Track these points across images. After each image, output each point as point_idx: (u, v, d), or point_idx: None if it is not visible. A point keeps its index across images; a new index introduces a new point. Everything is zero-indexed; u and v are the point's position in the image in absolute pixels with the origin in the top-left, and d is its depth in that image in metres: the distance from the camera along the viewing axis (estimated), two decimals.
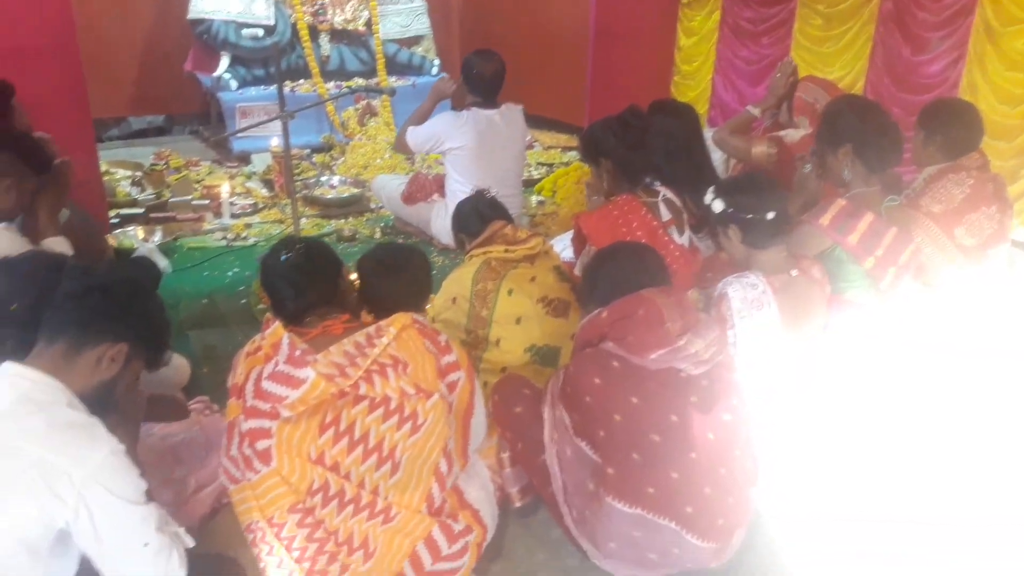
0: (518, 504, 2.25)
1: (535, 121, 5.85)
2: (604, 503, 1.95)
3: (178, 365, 2.69)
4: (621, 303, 1.99)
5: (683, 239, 2.90)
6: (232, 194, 4.51)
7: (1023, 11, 3.82)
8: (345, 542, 1.85)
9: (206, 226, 4.26)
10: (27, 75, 2.99)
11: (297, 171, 4.75)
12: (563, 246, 3.49)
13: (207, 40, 5.42)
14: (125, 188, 4.51)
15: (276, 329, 1.83)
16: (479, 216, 2.83)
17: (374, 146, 5.41)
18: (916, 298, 2.66)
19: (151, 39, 5.85)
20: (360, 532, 1.85)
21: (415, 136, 3.94)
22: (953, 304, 2.75)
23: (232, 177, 4.91)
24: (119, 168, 4.79)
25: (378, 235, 4.29)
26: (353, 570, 1.86)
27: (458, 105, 4.00)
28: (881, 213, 2.56)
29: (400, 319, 1.91)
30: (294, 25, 5.59)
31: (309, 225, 4.29)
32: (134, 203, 4.38)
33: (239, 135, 4.98)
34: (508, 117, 3.95)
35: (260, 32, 5.43)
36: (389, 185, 4.34)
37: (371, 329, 1.88)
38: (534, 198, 4.92)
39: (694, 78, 5.61)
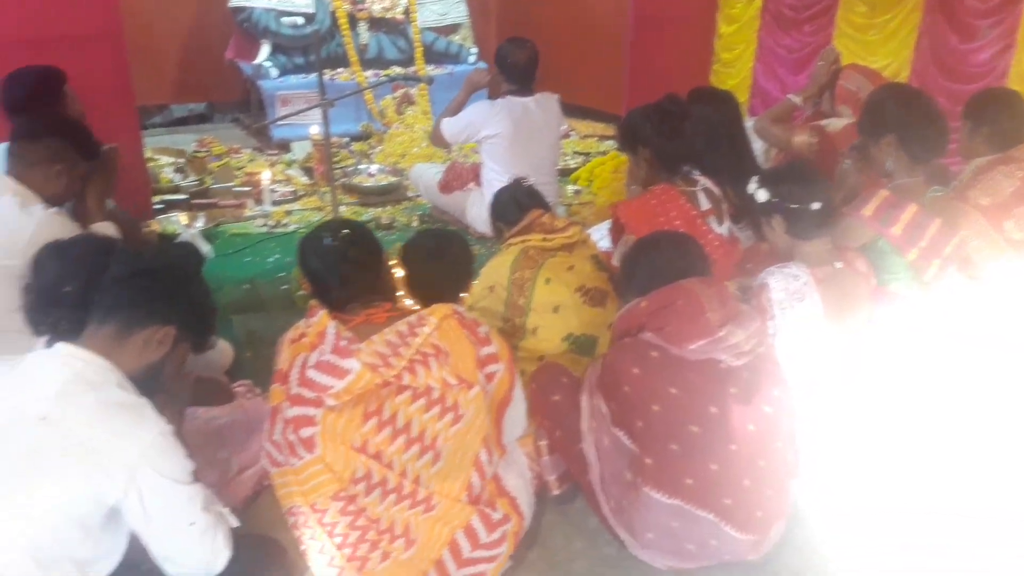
0: (556, 492, 2.25)
1: (572, 110, 5.82)
2: (642, 493, 1.95)
3: (222, 348, 2.75)
4: (661, 292, 1.98)
5: (722, 229, 2.87)
6: (272, 181, 4.56)
7: None
8: (387, 530, 1.87)
9: (247, 212, 4.31)
10: (75, 62, 3.03)
11: (336, 159, 4.79)
12: (600, 235, 3.47)
13: (248, 28, 5.48)
14: (168, 175, 4.59)
15: (322, 318, 1.84)
16: (517, 204, 2.84)
17: (411, 134, 5.44)
18: (961, 291, 2.61)
19: (193, 27, 5.91)
20: (401, 520, 1.87)
21: (450, 127, 3.95)
22: (1000, 298, 2.69)
23: (272, 164, 4.96)
24: (162, 155, 4.86)
25: (415, 223, 4.31)
26: (394, 558, 1.88)
27: (494, 95, 4.00)
28: (924, 204, 2.51)
29: (440, 309, 1.92)
30: (333, 13, 5.63)
31: (348, 213, 4.32)
32: (177, 189, 4.45)
33: (279, 123, 5.02)
34: (543, 105, 3.94)
35: (300, 20, 5.47)
36: (426, 174, 4.37)
37: (412, 318, 1.89)
38: (570, 187, 4.91)
39: (734, 66, 5.54)
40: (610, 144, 5.66)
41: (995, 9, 4.10)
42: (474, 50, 6.11)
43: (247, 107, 5.99)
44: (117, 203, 3.04)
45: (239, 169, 4.85)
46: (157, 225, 3.93)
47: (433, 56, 5.99)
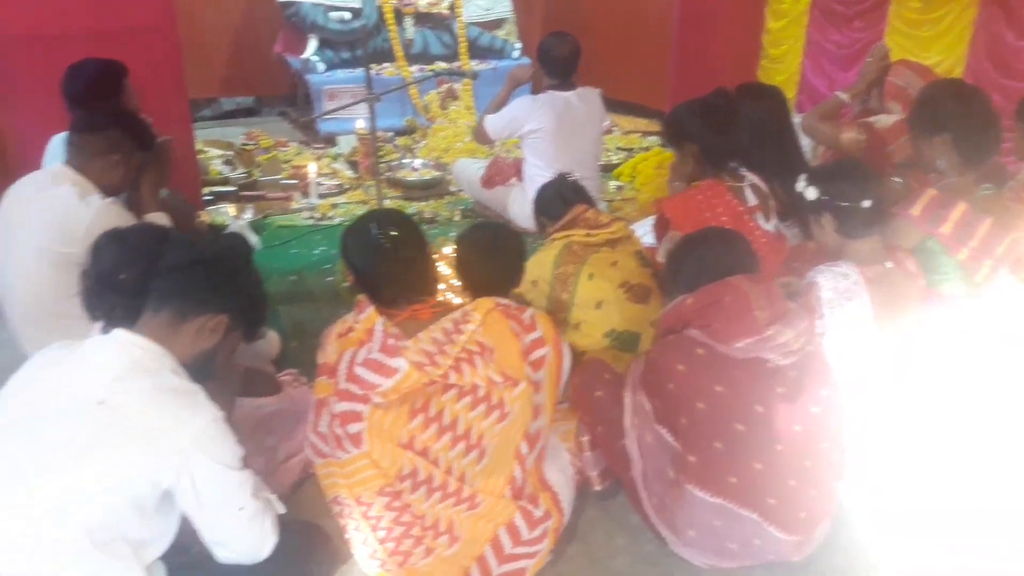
0: (598, 488, 2.25)
1: (615, 105, 5.79)
2: (685, 491, 1.94)
3: (270, 338, 2.80)
4: (708, 289, 1.97)
5: (769, 225, 2.83)
6: (319, 174, 4.62)
7: None
8: (431, 527, 1.88)
9: (294, 205, 4.37)
10: (130, 55, 3.08)
11: (380, 153, 4.83)
12: (643, 231, 3.46)
13: (296, 22, 5.54)
14: (217, 167, 4.67)
15: (371, 315, 1.85)
16: (561, 199, 2.84)
17: (455, 129, 5.46)
18: (1014, 293, 2.55)
19: (243, 22, 6.00)
20: (446, 517, 1.88)
21: (494, 124, 3.96)
22: None
23: (319, 158, 5.01)
24: (211, 147, 4.94)
25: (457, 218, 4.33)
26: (437, 554, 1.89)
27: (536, 90, 4.00)
28: (974, 203, 2.46)
29: (484, 303, 1.93)
30: (380, 8, 5.67)
31: (391, 207, 4.35)
32: (226, 181, 4.52)
33: (326, 117, 5.08)
34: (585, 99, 3.93)
35: (347, 15, 5.52)
36: (469, 169, 4.38)
37: (457, 314, 1.90)
38: (612, 183, 4.89)
39: (782, 62, 5.46)
40: (653, 140, 5.62)
41: None
42: (518, 45, 6.11)
43: (294, 101, 6.06)
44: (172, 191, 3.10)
45: (286, 162, 4.92)
46: (207, 216, 4.01)
47: (477, 51, 6.00)
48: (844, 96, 3.37)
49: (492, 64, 5.86)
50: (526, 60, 5.78)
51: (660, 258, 2.80)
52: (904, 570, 2.08)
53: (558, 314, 2.65)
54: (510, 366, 1.89)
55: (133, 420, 1.52)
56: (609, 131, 5.68)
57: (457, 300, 3.11)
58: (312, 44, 5.56)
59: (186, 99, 3.94)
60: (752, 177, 2.86)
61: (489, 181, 4.18)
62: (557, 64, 3.86)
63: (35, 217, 2.41)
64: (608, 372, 2.27)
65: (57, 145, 2.75)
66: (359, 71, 5.44)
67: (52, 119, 2.96)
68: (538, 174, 3.74)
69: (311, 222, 4.18)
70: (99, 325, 1.91)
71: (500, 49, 6.05)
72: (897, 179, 2.82)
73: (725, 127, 2.83)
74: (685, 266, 2.13)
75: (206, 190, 4.31)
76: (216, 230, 3.70)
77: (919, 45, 4.61)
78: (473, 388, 1.84)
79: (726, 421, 1.91)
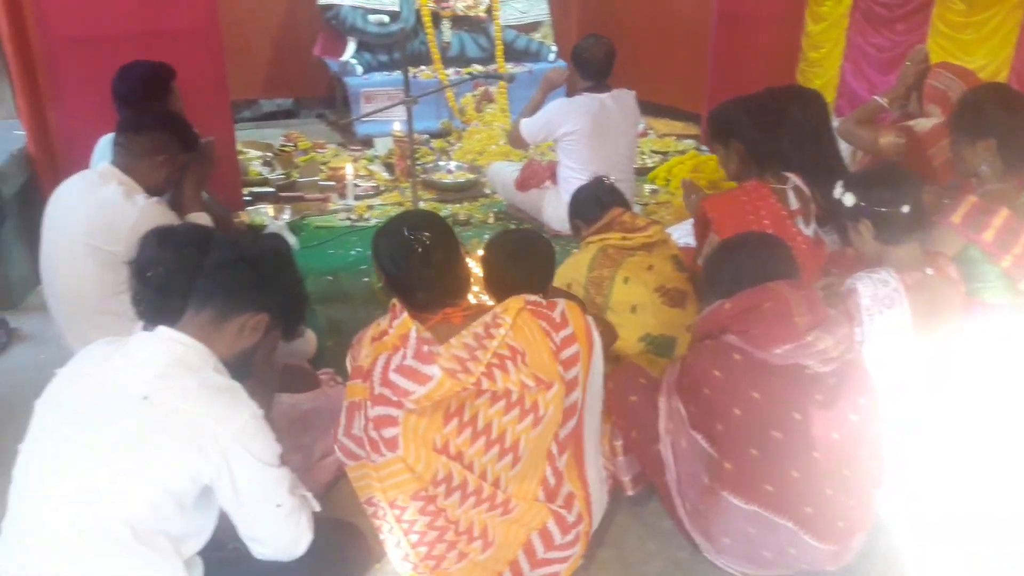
0: (631, 493, 2.24)
1: (650, 108, 5.77)
2: (720, 497, 1.93)
3: (307, 337, 2.83)
4: (746, 294, 1.95)
5: (809, 231, 2.80)
6: (356, 176, 4.67)
7: None
8: (465, 532, 1.88)
9: (331, 206, 4.42)
10: (174, 57, 3.13)
11: (416, 155, 4.87)
12: (679, 235, 3.45)
13: (335, 25, 5.60)
14: (257, 168, 4.74)
15: (405, 320, 1.83)
16: (598, 202, 2.83)
17: (490, 132, 5.48)
18: None
19: (283, 24, 6.07)
20: (479, 523, 1.88)
21: (529, 127, 3.96)
22: None
23: (356, 160, 5.07)
24: (251, 148, 5.01)
25: (491, 220, 4.35)
26: (471, 559, 1.89)
27: (572, 93, 4.00)
28: (1017, 209, 2.41)
29: (513, 304, 1.91)
30: (418, 11, 5.71)
31: (426, 208, 4.38)
32: (265, 182, 4.59)
33: (363, 119, 5.13)
34: (620, 101, 3.92)
35: (386, 18, 5.56)
36: (503, 172, 4.39)
37: (488, 318, 1.88)
38: (647, 186, 4.87)
39: (821, 65, 5.40)
40: (689, 143, 5.60)
41: None
42: (554, 48, 6.11)
43: (332, 103, 6.13)
44: (211, 194, 3.16)
45: (324, 164, 4.97)
46: (246, 216, 4.07)
47: (513, 54, 6.01)
48: (882, 100, 3.33)
49: (528, 67, 5.88)
50: (562, 63, 5.78)
51: (700, 261, 2.78)
52: None
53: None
54: (542, 368, 1.88)
55: (175, 416, 1.55)
56: (644, 134, 5.67)
57: (488, 299, 3.12)
58: (351, 47, 5.61)
59: (228, 101, 4.00)
60: (795, 179, 2.82)
61: (523, 184, 4.19)
62: (591, 66, 3.87)
63: (82, 215, 2.47)
64: (643, 376, 2.26)
65: (105, 145, 2.82)
66: (396, 74, 5.49)
67: (99, 120, 3.03)
68: (572, 176, 3.75)
69: (348, 223, 4.22)
70: (142, 323, 1.95)
71: (536, 52, 6.06)
72: (946, 200, 2.75)
73: (773, 127, 2.79)
74: (724, 271, 2.11)
75: (245, 191, 4.37)
76: (255, 230, 3.76)
77: (963, 48, 4.53)
78: (506, 393, 1.83)
79: (763, 428, 1.90)
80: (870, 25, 5.07)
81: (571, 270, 2.73)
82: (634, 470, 2.23)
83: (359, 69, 5.56)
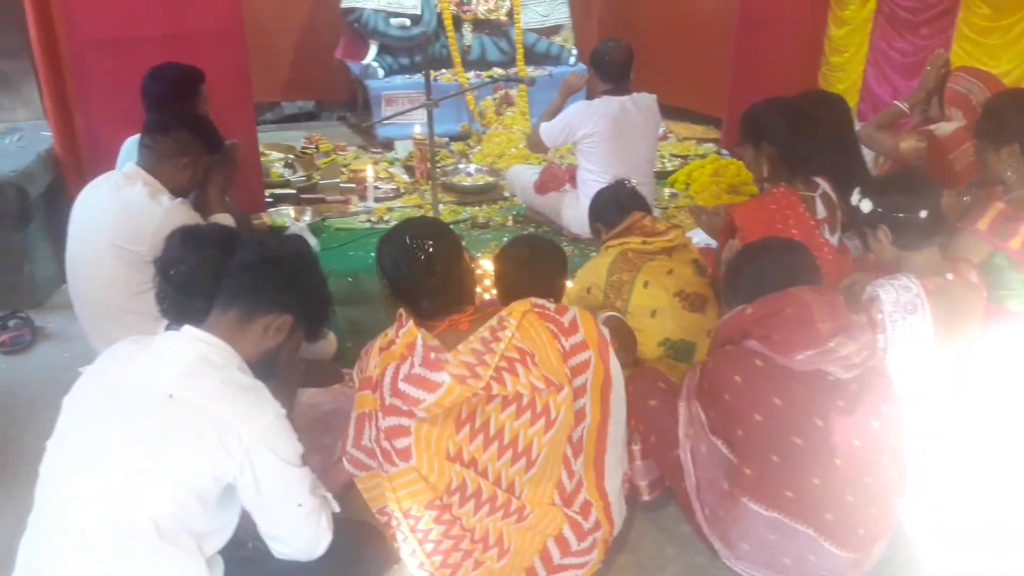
0: (646, 498, 2.24)
1: (670, 112, 5.76)
2: (739, 503, 1.92)
3: (328, 338, 2.85)
4: (768, 300, 1.94)
5: (834, 239, 2.77)
6: (376, 178, 4.69)
7: None
8: (480, 540, 1.88)
9: (352, 208, 4.44)
10: (198, 60, 3.16)
11: (436, 158, 4.88)
12: (699, 239, 3.44)
13: (357, 28, 5.63)
14: (278, 169, 4.77)
15: (411, 329, 1.84)
16: (618, 206, 2.82)
17: (509, 135, 5.49)
18: None
19: (306, 27, 6.12)
20: (495, 530, 1.88)
21: (549, 131, 3.96)
22: None
23: (376, 162, 5.09)
24: (273, 150, 5.05)
25: (510, 223, 4.35)
26: (487, 567, 1.89)
27: (592, 97, 4.00)
28: None
29: (518, 307, 1.91)
30: (440, 15, 5.73)
31: (446, 211, 4.40)
32: (287, 184, 4.62)
33: (384, 122, 5.15)
34: (641, 104, 3.92)
35: (408, 21, 5.59)
36: (522, 175, 4.40)
37: (494, 321, 1.88)
38: (666, 190, 4.86)
39: (844, 70, 5.36)
40: (709, 147, 5.58)
41: None
42: (575, 51, 6.11)
43: (354, 106, 6.16)
44: (232, 196, 3.19)
45: (345, 166, 5.00)
46: (267, 218, 4.10)
47: (534, 57, 6.02)
48: (903, 106, 3.31)
49: (548, 70, 5.89)
50: (582, 67, 5.79)
51: (721, 267, 2.76)
52: None
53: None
54: (551, 370, 1.87)
55: (200, 414, 1.56)
56: (664, 137, 5.65)
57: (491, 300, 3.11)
58: (372, 50, 5.64)
59: (251, 103, 4.03)
60: (824, 185, 2.78)
61: (542, 187, 4.19)
62: (610, 69, 3.87)
63: (108, 216, 2.50)
64: (663, 381, 2.25)
65: (130, 146, 2.85)
66: (417, 77, 5.51)
67: (125, 121, 3.07)
68: (592, 179, 3.75)
69: (368, 225, 4.24)
70: (165, 322, 1.97)
71: (556, 56, 6.07)
72: (966, 198, 2.73)
73: (809, 133, 2.72)
74: (745, 276, 2.10)
75: (267, 192, 4.40)
76: (276, 232, 3.78)
77: (988, 53, 4.49)
78: (516, 396, 1.83)
79: (784, 434, 1.89)
80: (894, 29, 5.03)
81: (591, 274, 2.73)
82: (651, 475, 2.23)
83: (380, 72, 5.59)
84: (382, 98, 5.49)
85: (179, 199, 2.55)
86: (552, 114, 4.02)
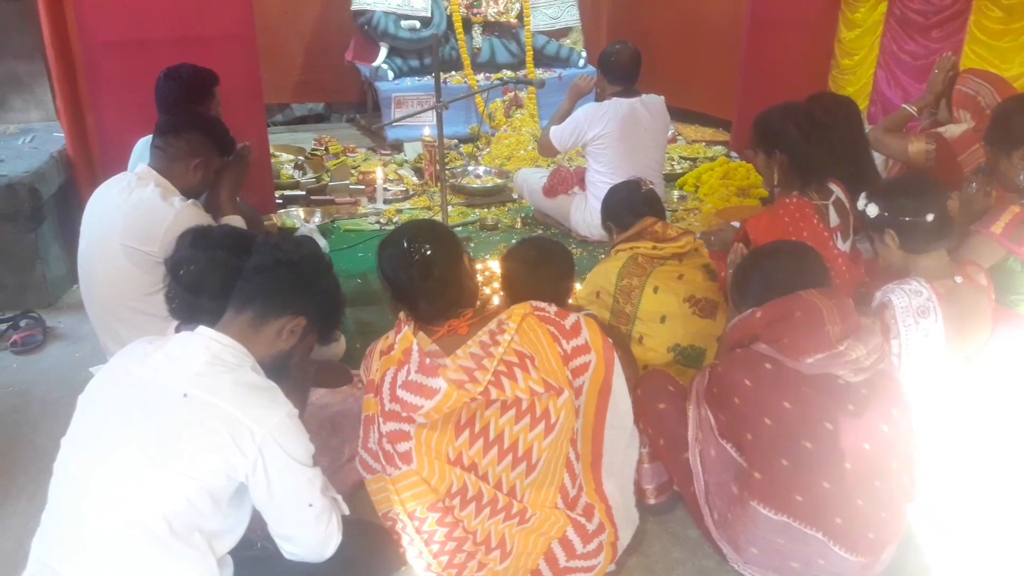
0: (652, 501, 2.24)
1: (679, 114, 5.76)
2: (748, 507, 1.92)
3: (338, 340, 2.86)
4: (778, 303, 1.94)
5: (845, 246, 2.75)
6: (385, 180, 4.70)
7: None
8: (483, 542, 1.88)
9: (361, 210, 4.46)
10: (210, 62, 3.18)
11: (445, 160, 4.89)
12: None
13: (367, 31, 5.66)
14: (288, 171, 4.80)
15: (406, 335, 1.84)
16: (631, 210, 2.80)
17: (518, 137, 5.50)
18: None
19: (316, 29, 6.15)
20: (497, 533, 1.88)
21: (559, 134, 3.97)
22: None
23: (385, 164, 5.11)
24: (283, 152, 5.08)
25: (519, 225, 4.36)
26: (490, 568, 1.90)
27: (601, 99, 4.01)
28: None
29: (518, 310, 1.91)
30: (449, 17, 5.74)
31: (454, 213, 4.41)
32: (296, 185, 4.64)
33: (394, 124, 5.17)
34: (650, 106, 3.92)
35: (418, 24, 5.61)
36: (531, 178, 4.40)
37: (493, 325, 1.88)
38: (675, 193, 4.86)
39: (854, 73, 5.35)
40: (719, 150, 5.58)
41: None
42: (584, 54, 6.12)
43: (364, 108, 6.18)
44: (242, 198, 3.20)
45: (354, 168, 5.02)
46: (277, 219, 4.11)
47: (543, 59, 6.03)
48: (911, 109, 3.31)
49: (558, 72, 5.90)
50: (591, 69, 5.79)
51: (728, 270, 2.75)
52: None
53: (621, 327, 2.63)
54: (551, 373, 1.86)
55: (213, 413, 1.57)
56: (673, 140, 5.65)
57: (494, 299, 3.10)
58: (382, 52, 5.66)
59: (262, 105, 4.05)
60: (838, 191, 2.75)
61: (551, 190, 4.20)
62: (618, 71, 3.87)
63: (119, 216, 2.51)
64: (672, 384, 2.25)
65: (142, 147, 2.87)
66: (427, 79, 5.53)
67: (137, 122, 3.09)
68: (601, 182, 3.75)
69: (377, 227, 4.25)
70: (175, 323, 1.98)
71: (566, 58, 6.08)
72: (972, 185, 2.72)
73: (822, 141, 2.67)
74: (754, 279, 2.10)
75: (277, 194, 4.43)
76: (286, 234, 3.79)
77: (999, 56, 4.47)
78: (516, 401, 1.83)
79: (793, 438, 1.88)
80: (905, 32, 5.02)
81: (600, 278, 2.72)
82: (659, 479, 2.23)
83: (390, 74, 5.61)
84: (392, 100, 5.51)
85: (190, 200, 2.56)
86: (561, 118, 4.02)
